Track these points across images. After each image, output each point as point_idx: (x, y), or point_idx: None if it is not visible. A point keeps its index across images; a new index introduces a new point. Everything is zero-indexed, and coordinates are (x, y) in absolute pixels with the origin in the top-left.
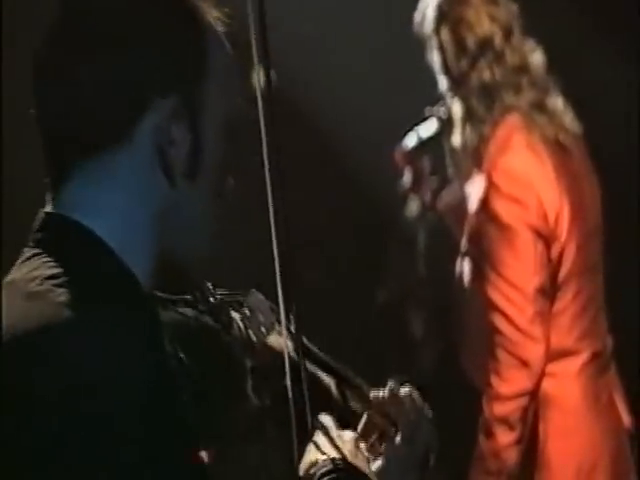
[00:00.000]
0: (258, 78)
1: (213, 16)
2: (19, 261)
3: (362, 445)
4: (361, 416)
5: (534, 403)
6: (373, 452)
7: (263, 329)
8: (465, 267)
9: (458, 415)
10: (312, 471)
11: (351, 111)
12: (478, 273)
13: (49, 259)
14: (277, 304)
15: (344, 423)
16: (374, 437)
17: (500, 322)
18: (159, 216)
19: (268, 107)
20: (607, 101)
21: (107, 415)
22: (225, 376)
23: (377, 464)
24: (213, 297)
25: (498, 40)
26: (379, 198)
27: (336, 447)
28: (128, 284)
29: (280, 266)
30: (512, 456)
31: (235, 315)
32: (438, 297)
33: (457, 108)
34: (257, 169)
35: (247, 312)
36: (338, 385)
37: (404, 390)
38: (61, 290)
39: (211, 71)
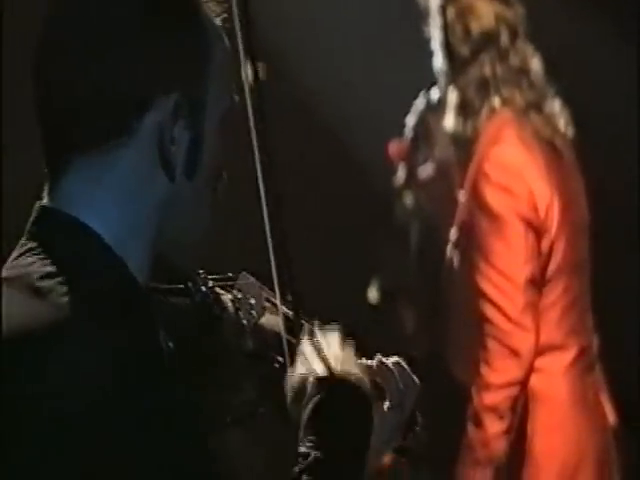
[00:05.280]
0: (245, 70)
1: (212, 10)
2: (13, 255)
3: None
4: None
5: (524, 394)
6: None
7: (254, 312)
8: (455, 256)
9: (446, 410)
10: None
11: (347, 104)
12: (467, 263)
13: (44, 255)
14: (272, 285)
15: None
16: None
17: (490, 312)
18: (156, 210)
19: (257, 99)
20: (603, 101)
21: (105, 414)
22: (218, 365)
23: None
24: (205, 286)
25: (504, 39)
26: (373, 192)
27: (323, 359)
28: (123, 280)
29: (274, 250)
30: (501, 446)
31: (226, 298)
32: (430, 293)
33: (453, 97)
34: (248, 162)
35: (238, 294)
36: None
37: (392, 360)
38: (60, 289)
39: (211, 68)
